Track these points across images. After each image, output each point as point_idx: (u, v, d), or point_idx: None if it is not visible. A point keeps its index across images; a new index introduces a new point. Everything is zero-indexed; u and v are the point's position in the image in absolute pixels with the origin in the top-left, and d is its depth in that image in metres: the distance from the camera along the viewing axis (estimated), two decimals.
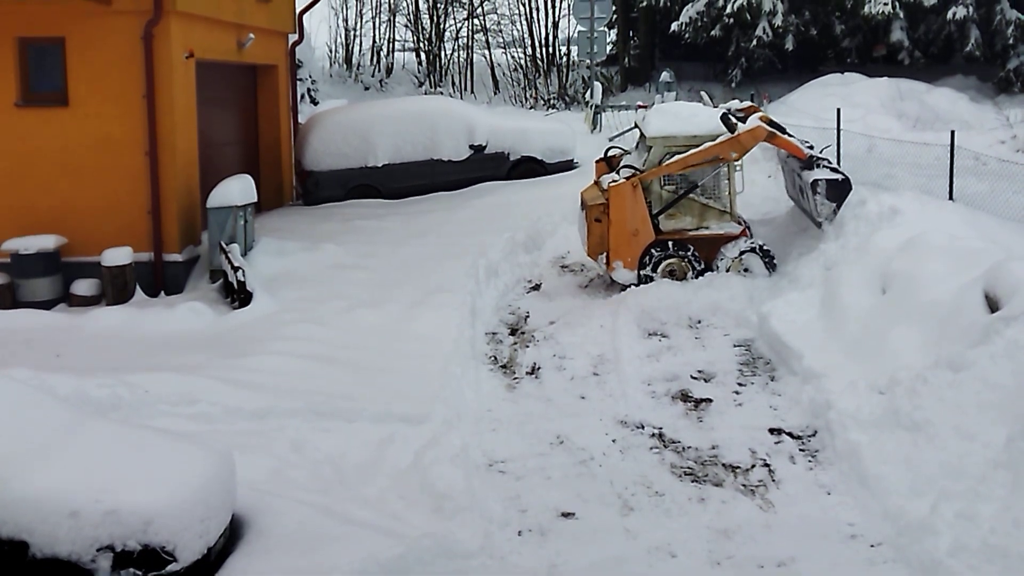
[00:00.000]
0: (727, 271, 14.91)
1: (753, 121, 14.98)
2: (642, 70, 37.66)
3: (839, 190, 14.77)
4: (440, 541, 8.03)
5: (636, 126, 16.19)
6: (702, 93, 19.79)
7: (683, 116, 15.36)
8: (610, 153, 16.87)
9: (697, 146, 14.82)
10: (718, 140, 14.75)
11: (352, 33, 43.03)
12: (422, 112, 22.21)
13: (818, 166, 15.08)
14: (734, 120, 14.89)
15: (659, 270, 14.95)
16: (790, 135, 15.69)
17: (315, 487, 9.07)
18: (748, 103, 17.48)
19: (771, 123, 15.43)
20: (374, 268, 15.82)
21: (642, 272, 14.95)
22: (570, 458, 10.19)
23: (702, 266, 14.94)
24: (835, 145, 17.82)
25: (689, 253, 14.93)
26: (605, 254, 15.07)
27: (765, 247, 15.07)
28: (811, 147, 15.68)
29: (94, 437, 7.55)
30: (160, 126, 15.78)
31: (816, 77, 30.79)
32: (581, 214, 15.71)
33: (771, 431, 10.70)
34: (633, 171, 15.04)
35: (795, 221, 15.94)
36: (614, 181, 15.00)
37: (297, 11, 23.17)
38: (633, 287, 14.86)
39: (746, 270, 14.99)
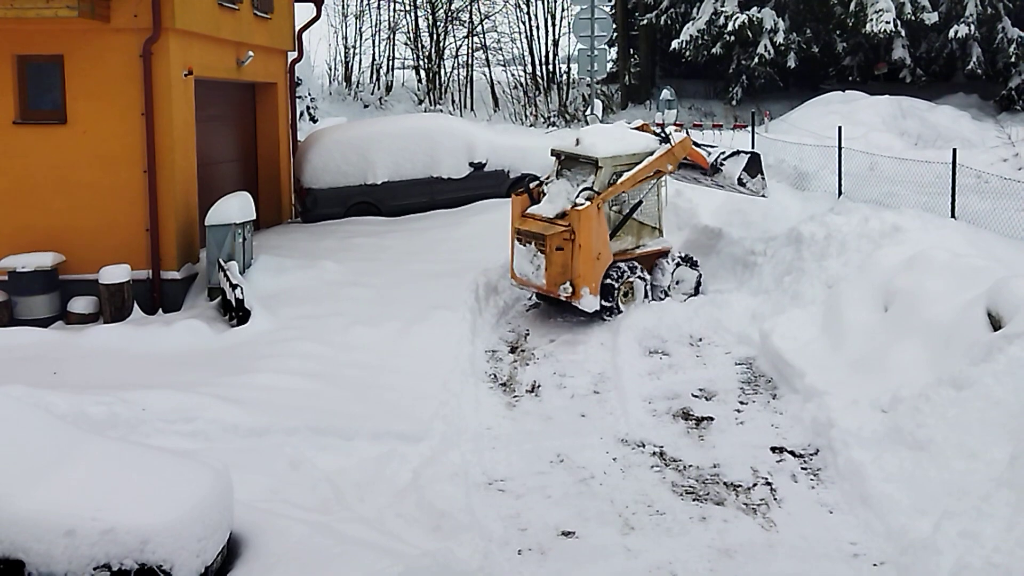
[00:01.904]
0: (665, 284, 15.36)
1: (678, 135, 15.81)
2: (643, 88, 37.77)
3: (755, 165, 15.99)
4: (439, 560, 7.95)
5: (553, 153, 15.79)
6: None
7: (617, 136, 15.60)
8: (531, 185, 16.16)
9: (637, 163, 15.07)
10: (656, 155, 15.18)
11: (352, 51, 43.28)
12: (422, 130, 22.19)
13: (722, 166, 15.96)
14: (664, 134, 15.73)
15: (619, 291, 14.87)
16: (702, 146, 16.59)
17: (313, 505, 9.00)
18: (641, 120, 17.62)
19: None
20: (373, 286, 15.77)
21: (604, 296, 14.73)
22: (570, 476, 10.13)
23: (648, 283, 15.19)
24: (837, 163, 17.87)
25: (639, 272, 15.06)
26: (568, 283, 14.51)
27: (686, 254, 15.74)
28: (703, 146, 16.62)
29: (91, 455, 7.48)
30: (159, 144, 15.77)
31: (818, 95, 30.89)
32: (524, 248, 14.88)
33: (773, 449, 10.64)
34: (592, 193, 14.65)
35: (796, 240, 15.86)
36: (577, 205, 14.47)
37: (296, 29, 23.21)
38: (634, 310, 14.75)
39: (678, 283, 15.47)
